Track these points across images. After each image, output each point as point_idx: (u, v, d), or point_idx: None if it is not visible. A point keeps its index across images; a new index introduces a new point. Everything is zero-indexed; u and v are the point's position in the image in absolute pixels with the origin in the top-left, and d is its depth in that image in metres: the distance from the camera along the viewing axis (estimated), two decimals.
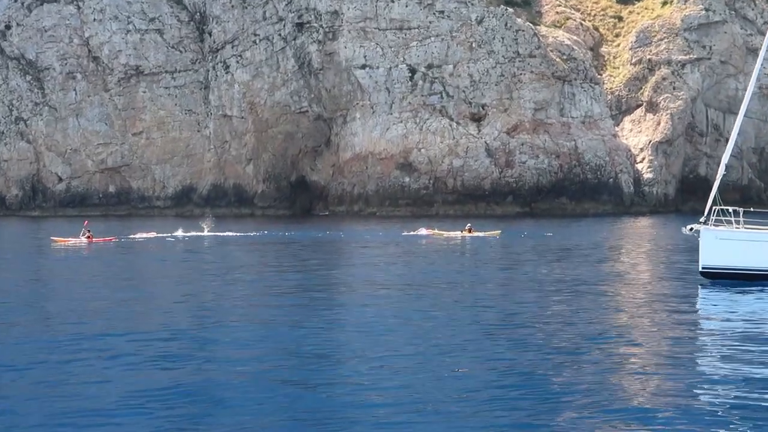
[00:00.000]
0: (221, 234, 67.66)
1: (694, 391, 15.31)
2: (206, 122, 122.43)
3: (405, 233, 65.00)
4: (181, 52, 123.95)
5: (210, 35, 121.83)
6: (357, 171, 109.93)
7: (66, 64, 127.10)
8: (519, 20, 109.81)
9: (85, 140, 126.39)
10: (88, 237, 58.50)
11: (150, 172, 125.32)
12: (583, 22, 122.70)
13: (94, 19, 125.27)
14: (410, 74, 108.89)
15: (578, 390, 15.37)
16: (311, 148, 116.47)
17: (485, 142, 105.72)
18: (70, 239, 59.25)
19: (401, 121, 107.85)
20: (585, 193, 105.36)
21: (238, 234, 67.66)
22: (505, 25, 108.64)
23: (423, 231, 64.87)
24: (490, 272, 37.15)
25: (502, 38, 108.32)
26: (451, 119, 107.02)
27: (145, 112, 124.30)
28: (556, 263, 39.66)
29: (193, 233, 68.07)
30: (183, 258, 47.74)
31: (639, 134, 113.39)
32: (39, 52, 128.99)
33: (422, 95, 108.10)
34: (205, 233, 68.37)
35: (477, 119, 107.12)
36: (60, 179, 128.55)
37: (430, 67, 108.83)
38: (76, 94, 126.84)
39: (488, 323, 22.56)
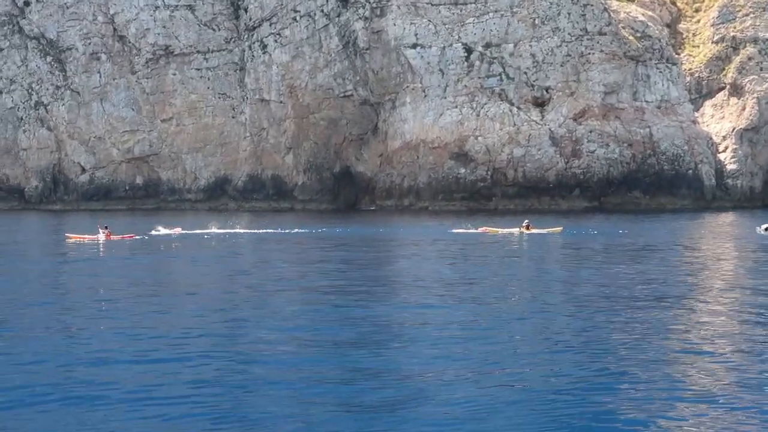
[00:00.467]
0: (256, 231, 67.79)
1: (759, 416, 14.93)
2: (242, 107, 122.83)
3: (454, 230, 64.93)
4: (214, 30, 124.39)
5: (246, 12, 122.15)
6: (407, 161, 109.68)
7: (90, 44, 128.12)
8: None
9: (111, 127, 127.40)
10: (107, 233, 58.93)
11: (180, 162, 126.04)
12: None
13: None
14: (466, 54, 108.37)
15: (642, 407, 15.13)
16: (357, 135, 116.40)
17: (549, 130, 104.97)
18: (86, 236, 59.73)
19: (456, 106, 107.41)
20: (661, 187, 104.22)
21: (275, 231, 67.76)
22: None
23: (461, 230, 64.85)
24: (552, 274, 36.76)
25: (569, 14, 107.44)
26: (512, 104, 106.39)
27: (176, 97, 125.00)
28: (625, 266, 39.14)
29: (228, 230, 68.17)
30: (213, 258, 47.74)
31: (721, 120, 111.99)
32: (60, 30, 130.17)
33: (479, 77, 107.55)
34: (239, 230, 68.46)
35: (540, 104, 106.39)
36: (83, 170, 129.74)
37: (488, 46, 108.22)
38: (100, 76, 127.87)
39: (550, 331, 22.26)
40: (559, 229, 62.94)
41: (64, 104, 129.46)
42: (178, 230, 66.25)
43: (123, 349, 20.31)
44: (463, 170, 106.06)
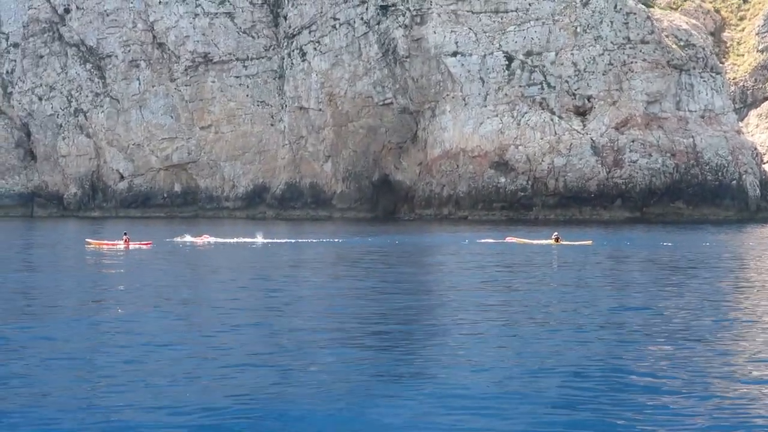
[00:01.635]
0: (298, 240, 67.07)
1: None
2: (280, 115, 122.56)
3: (478, 241, 63.98)
4: (253, 38, 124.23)
5: (285, 19, 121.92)
6: (447, 170, 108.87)
7: (129, 51, 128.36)
8: (630, 1, 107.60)
9: (149, 134, 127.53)
10: (125, 240, 58.53)
11: (219, 170, 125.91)
12: (702, 4, 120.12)
13: (160, 2, 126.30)
14: (507, 62, 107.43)
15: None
16: (396, 144, 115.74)
17: (591, 139, 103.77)
18: (105, 242, 59.65)
19: (496, 115, 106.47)
20: (704, 197, 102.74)
21: (310, 240, 67.02)
22: (615, 6, 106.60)
23: (490, 240, 64.08)
24: (587, 292, 35.65)
25: (611, 22, 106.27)
26: (553, 113, 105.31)
27: (214, 104, 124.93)
28: (671, 280, 37.97)
29: (261, 240, 67.10)
30: (234, 267, 46.92)
31: (767, 130, 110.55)
32: (100, 38, 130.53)
33: (520, 86, 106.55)
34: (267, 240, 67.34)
35: (582, 113, 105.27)
36: (122, 177, 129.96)
37: (529, 54, 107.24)
38: (139, 83, 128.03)
39: (585, 360, 21.27)
40: (588, 242, 61.55)
41: (103, 111, 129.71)
42: (205, 238, 65.37)
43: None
44: (503, 179, 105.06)
